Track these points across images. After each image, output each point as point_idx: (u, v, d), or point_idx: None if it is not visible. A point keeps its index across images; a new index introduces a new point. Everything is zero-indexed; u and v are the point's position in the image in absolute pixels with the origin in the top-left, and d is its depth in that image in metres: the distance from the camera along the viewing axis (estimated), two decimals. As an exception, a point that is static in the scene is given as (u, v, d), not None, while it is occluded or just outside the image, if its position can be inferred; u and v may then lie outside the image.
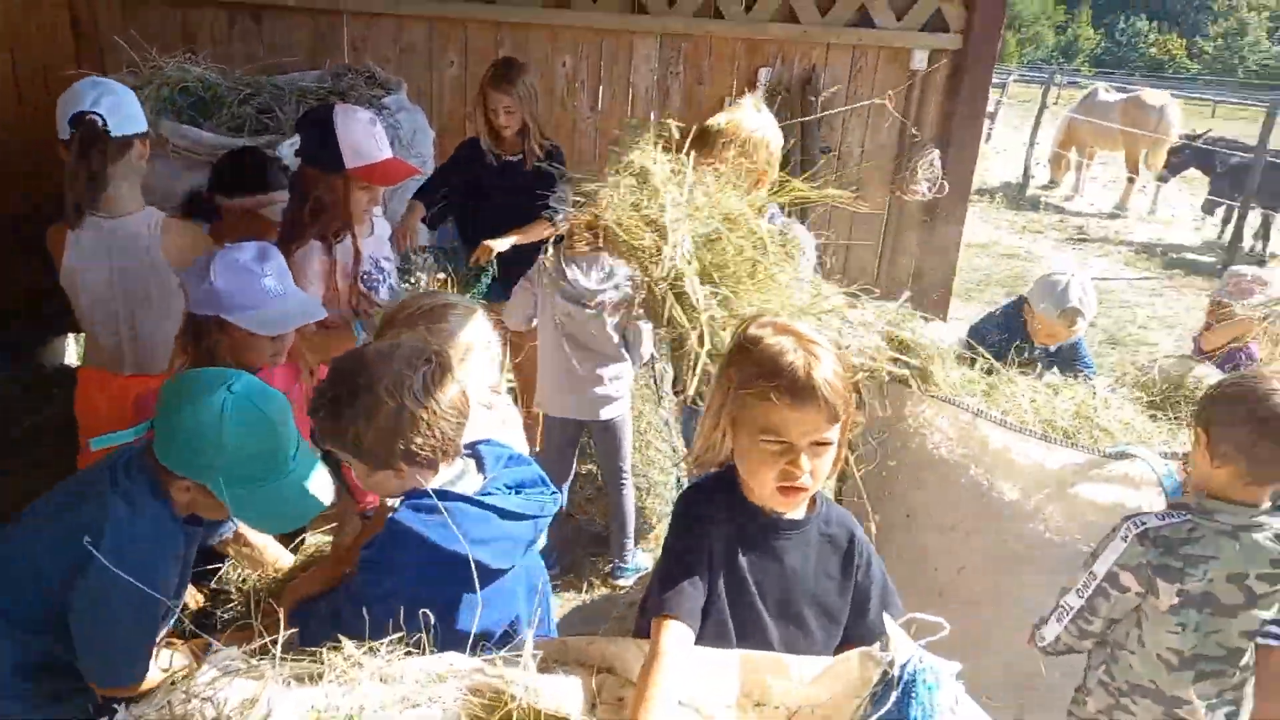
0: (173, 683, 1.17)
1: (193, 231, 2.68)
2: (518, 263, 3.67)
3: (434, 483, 1.63)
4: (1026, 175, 14.29)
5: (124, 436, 1.77)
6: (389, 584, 1.55)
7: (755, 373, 1.51)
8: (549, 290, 3.38)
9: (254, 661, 1.22)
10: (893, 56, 5.07)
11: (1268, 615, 1.93)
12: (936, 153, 5.16)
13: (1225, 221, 11.27)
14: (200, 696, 1.12)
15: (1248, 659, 1.97)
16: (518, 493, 1.69)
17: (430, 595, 1.47)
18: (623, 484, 3.65)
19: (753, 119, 3.00)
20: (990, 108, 18.96)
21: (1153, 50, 47.66)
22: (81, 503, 1.71)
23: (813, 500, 1.63)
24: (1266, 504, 1.94)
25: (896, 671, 1.07)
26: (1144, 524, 1.96)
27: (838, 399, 1.49)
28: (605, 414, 3.54)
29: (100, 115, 2.45)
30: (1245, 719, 2.02)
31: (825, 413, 1.48)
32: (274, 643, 1.26)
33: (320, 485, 1.79)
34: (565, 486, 3.70)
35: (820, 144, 5.17)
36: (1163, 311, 8.81)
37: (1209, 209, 11.56)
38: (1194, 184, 12.12)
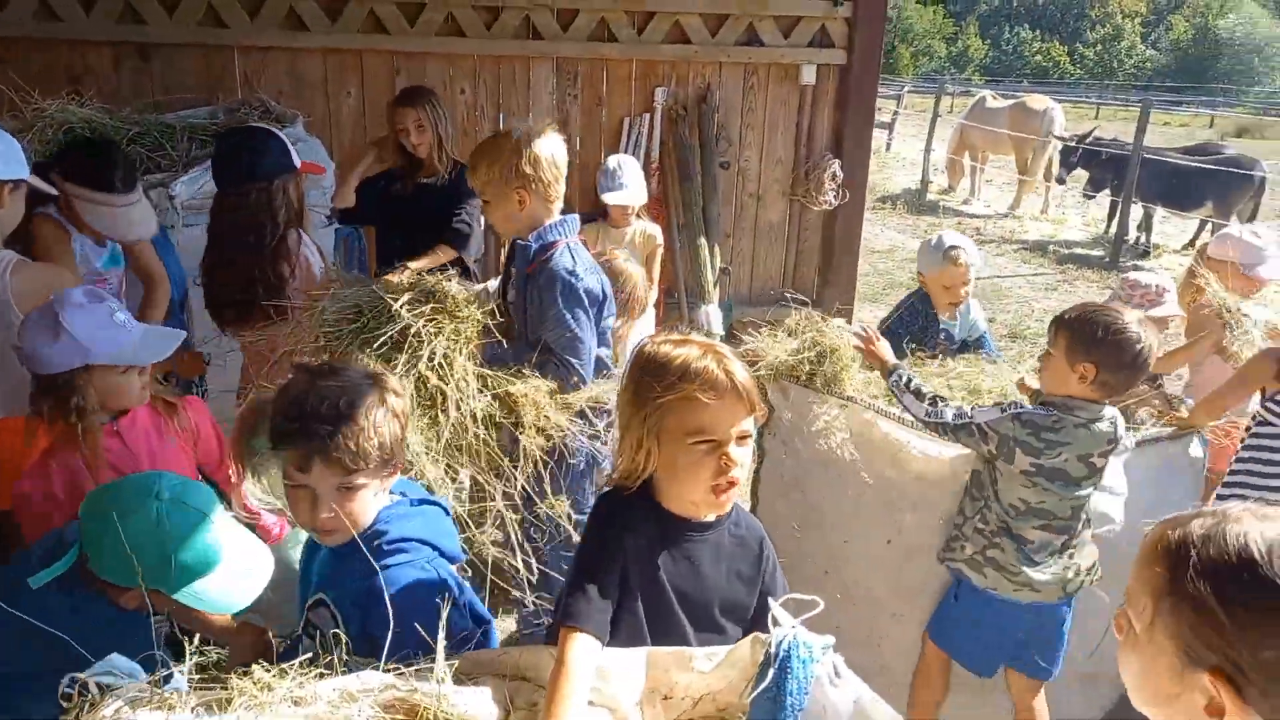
0: (77, 717, 1.17)
1: (48, 274, 2.53)
2: None
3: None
4: (924, 182, 14.81)
5: (59, 569, 1.67)
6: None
7: (674, 380, 1.58)
8: None
9: (160, 690, 1.22)
10: (783, 73, 5.25)
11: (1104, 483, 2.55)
12: (838, 162, 5.34)
13: (1110, 218, 11.86)
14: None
15: (1085, 518, 2.58)
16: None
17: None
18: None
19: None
20: (888, 118, 19.69)
21: (1037, 57, 49.89)
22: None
23: None
24: (1108, 403, 2.49)
25: (773, 649, 1.14)
26: (1021, 409, 2.51)
27: (753, 389, 1.59)
28: None
29: None
30: (1081, 562, 2.58)
31: (745, 403, 1.57)
32: (181, 671, 1.26)
33: (255, 553, 1.78)
34: None
35: (719, 159, 5.31)
36: (1057, 305, 9.22)
37: (1090, 195, 12.22)
38: (1084, 184, 12.74)
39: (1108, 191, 11.84)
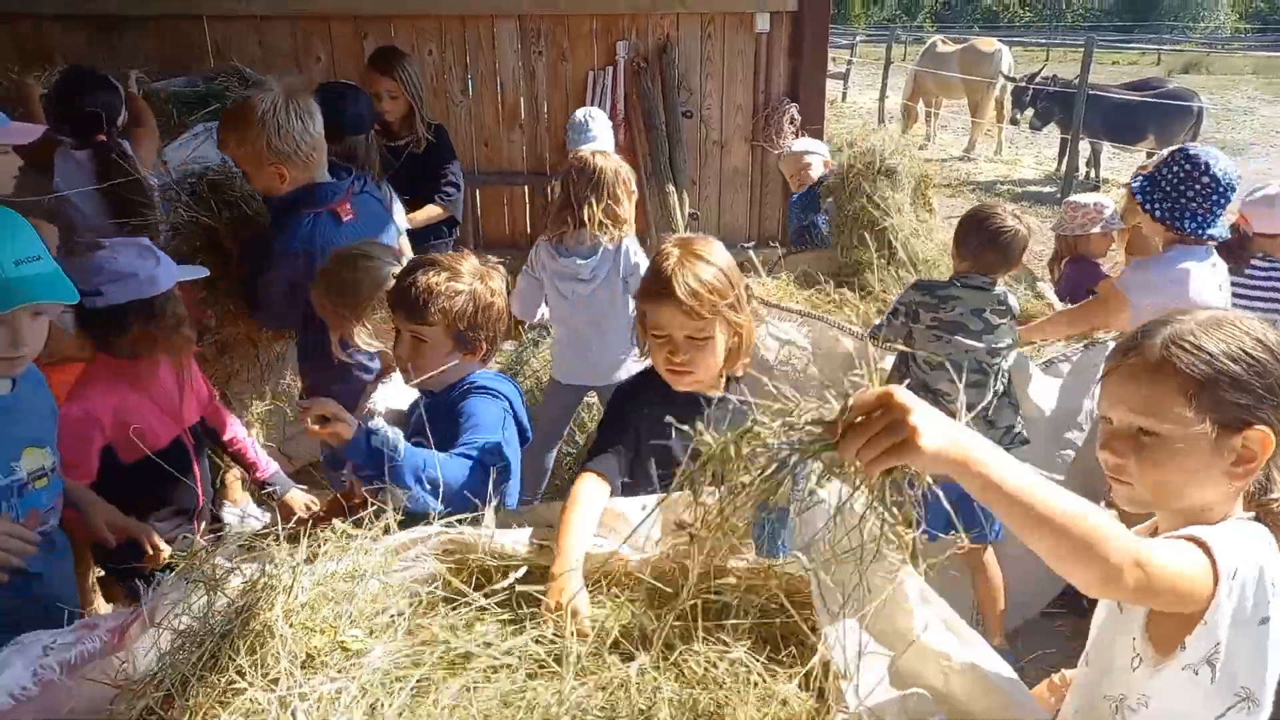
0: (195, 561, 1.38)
1: None
2: (418, 244, 3.84)
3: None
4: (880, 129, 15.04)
5: None
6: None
7: (646, 279, 1.91)
8: (548, 275, 3.42)
9: (266, 543, 1.43)
10: (738, 22, 5.43)
11: (1002, 343, 2.89)
12: (795, 106, 5.55)
13: (1060, 155, 12.19)
14: (222, 569, 1.34)
15: (998, 384, 2.93)
16: None
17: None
18: None
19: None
20: (841, 69, 19.86)
21: (987, 2, 50.08)
22: None
23: (728, 380, 1.98)
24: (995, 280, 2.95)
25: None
26: (916, 281, 3.08)
27: (696, 301, 1.81)
28: (616, 377, 3.45)
29: None
30: (998, 422, 2.95)
31: (683, 309, 1.82)
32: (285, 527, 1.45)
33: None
34: (554, 450, 3.73)
35: (682, 109, 5.50)
36: (1011, 241, 9.54)
37: (1036, 128, 12.55)
38: (1029, 121, 13.04)
39: (1057, 130, 12.15)
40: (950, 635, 1.41)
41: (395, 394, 2.44)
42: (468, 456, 1.87)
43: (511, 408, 2.09)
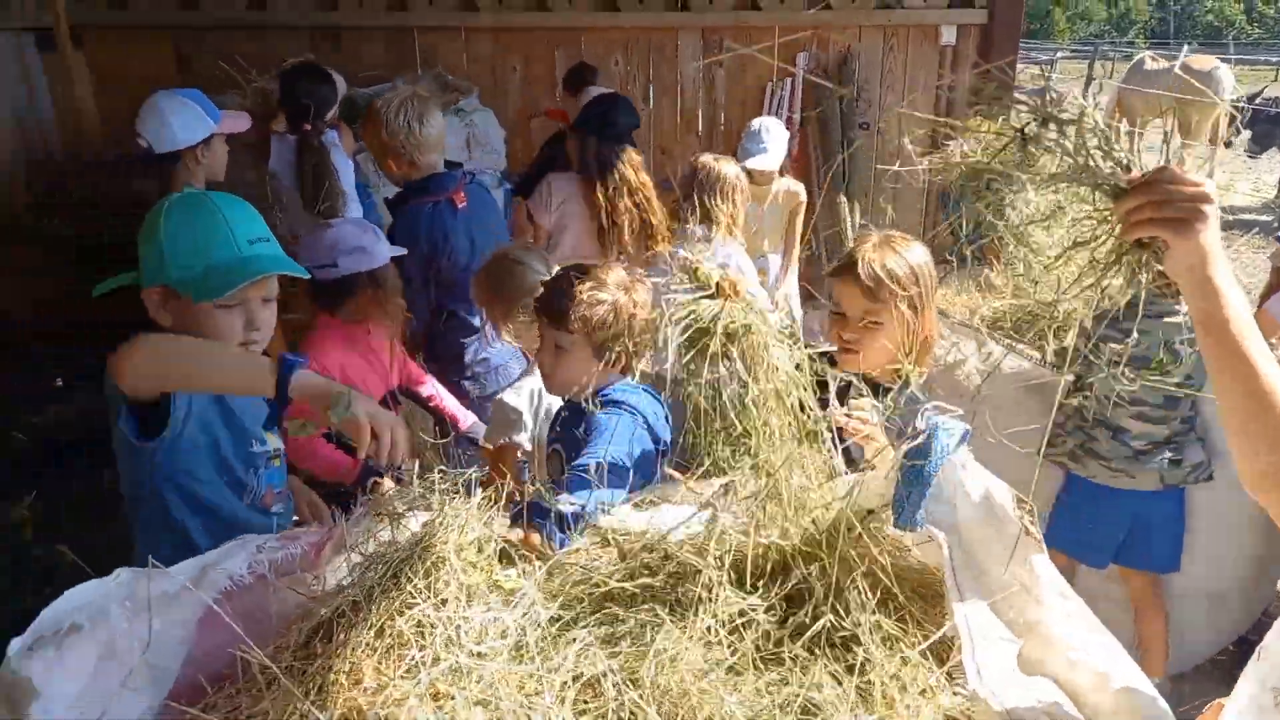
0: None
1: None
2: None
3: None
4: (1077, 149, 14.28)
5: (124, 278, 1.80)
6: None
7: (840, 256, 2.10)
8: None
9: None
10: (923, 34, 5.38)
11: (1190, 374, 2.64)
12: (975, 121, 5.43)
13: (1282, 181, 11.23)
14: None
15: (1186, 415, 2.77)
16: None
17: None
18: None
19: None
20: (1040, 86, 18.96)
21: (1209, 18, 46.46)
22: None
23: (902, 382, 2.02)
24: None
25: (922, 438, 1.43)
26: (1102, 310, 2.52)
27: (874, 283, 1.94)
28: None
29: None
30: (1185, 458, 2.75)
31: (861, 288, 1.93)
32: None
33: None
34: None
35: (859, 120, 5.50)
36: (1216, 270, 8.87)
37: (1254, 154, 11.62)
38: (1245, 145, 12.05)
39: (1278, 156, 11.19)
40: (1083, 632, 1.42)
41: (518, 394, 2.61)
42: (581, 477, 1.79)
43: (647, 423, 2.02)
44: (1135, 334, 2.55)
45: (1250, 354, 1.10)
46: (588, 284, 2.01)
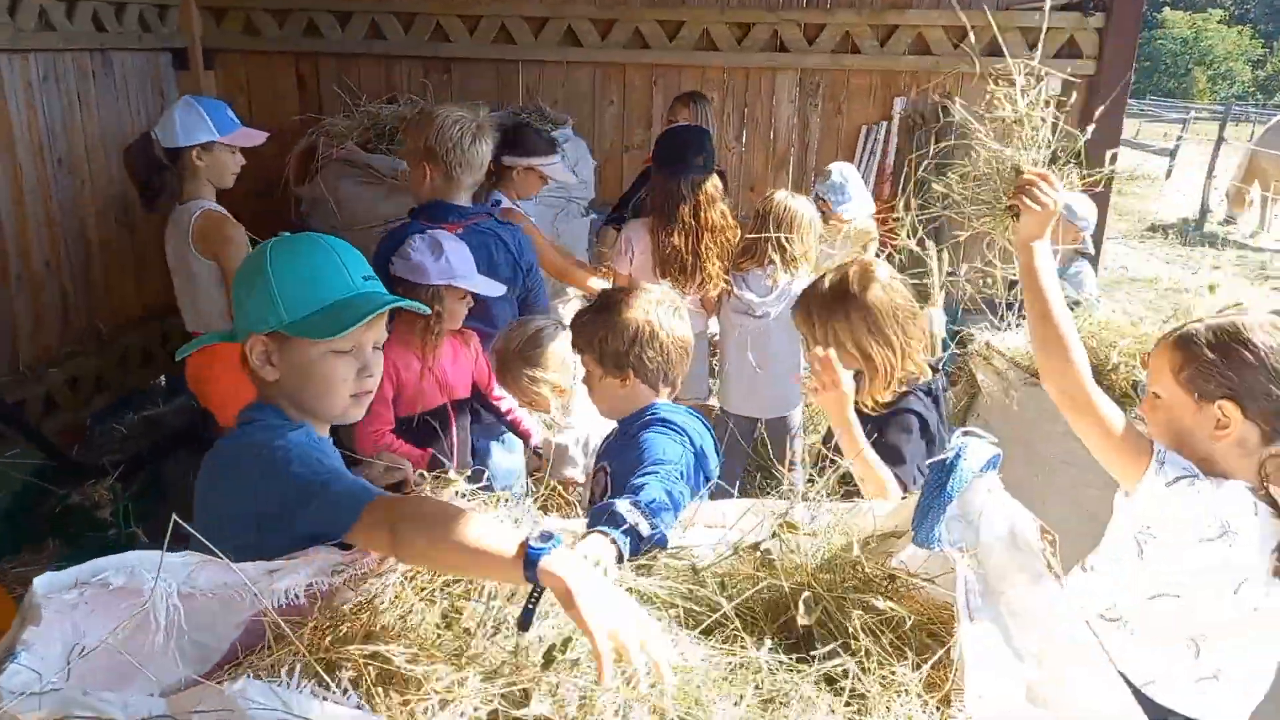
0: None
1: (223, 224, 3.14)
2: None
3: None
4: (1204, 210, 13.67)
5: (212, 337, 1.73)
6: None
7: None
8: (727, 306, 3.68)
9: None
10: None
11: None
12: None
13: None
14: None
15: None
16: None
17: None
18: (793, 467, 3.89)
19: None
20: (1171, 144, 18.22)
21: (1367, 82, 43.82)
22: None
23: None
24: None
25: (949, 455, 1.41)
26: None
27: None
28: (778, 412, 3.74)
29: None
30: None
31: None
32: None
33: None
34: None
35: (955, 168, 5.41)
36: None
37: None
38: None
39: None
40: (1091, 672, 1.37)
41: (566, 435, 2.79)
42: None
43: (693, 444, 2.03)
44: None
45: (1046, 292, 1.88)
46: (604, 310, 2.08)
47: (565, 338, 2.64)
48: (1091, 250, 4.10)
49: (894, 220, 5.41)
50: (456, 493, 1.61)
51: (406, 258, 2.67)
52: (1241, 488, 1.68)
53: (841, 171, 4.35)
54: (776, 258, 3.47)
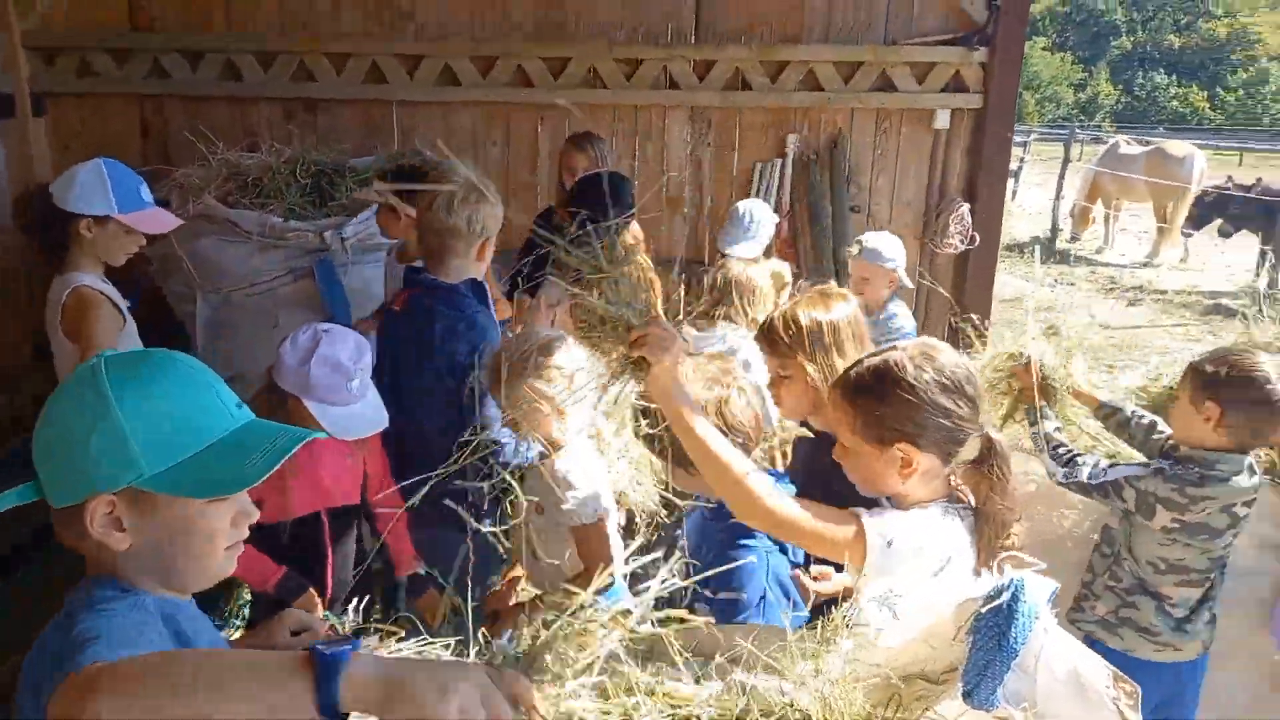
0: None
1: (91, 306, 2.73)
2: None
3: None
4: (1055, 229, 14.39)
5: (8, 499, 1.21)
6: None
7: None
8: None
9: None
10: (916, 117, 5.28)
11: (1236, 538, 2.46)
12: (965, 206, 5.31)
13: (1259, 266, 11.29)
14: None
15: (1223, 566, 2.50)
16: None
17: None
18: None
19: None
20: (1013, 165, 19.24)
21: (1174, 103, 47.94)
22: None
23: None
24: (1248, 456, 2.40)
25: (1001, 589, 1.18)
26: (1163, 466, 2.40)
27: (770, 340, 2.24)
28: None
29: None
30: (1219, 612, 2.53)
31: (764, 347, 2.30)
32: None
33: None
34: None
35: (850, 203, 5.35)
36: (1200, 355, 8.80)
37: (1226, 234, 11.71)
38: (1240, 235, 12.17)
39: (1256, 241, 11.28)
40: None
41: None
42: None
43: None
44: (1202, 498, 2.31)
45: (705, 441, 1.70)
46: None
47: (571, 349, 2.32)
48: (909, 285, 4.08)
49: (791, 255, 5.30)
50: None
51: (290, 343, 2.28)
52: (937, 513, 1.68)
53: (751, 209, 4.20)
54: (738, 321, 3.39)
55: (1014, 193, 18.52)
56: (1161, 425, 2.66)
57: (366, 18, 5.12)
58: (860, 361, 1.74)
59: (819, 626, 1.34)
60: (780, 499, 1.68)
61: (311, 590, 2.29)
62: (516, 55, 5.10)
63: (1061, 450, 2.60)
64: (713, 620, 1.46)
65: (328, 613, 2.14)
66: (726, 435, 1.84)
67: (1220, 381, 2.30)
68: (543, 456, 2.32)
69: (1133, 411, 2.76)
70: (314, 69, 5.07)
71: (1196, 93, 49.01)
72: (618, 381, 1.78)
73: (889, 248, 3.83)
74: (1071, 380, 3.06)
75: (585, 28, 5.13)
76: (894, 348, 1.70)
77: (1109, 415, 2.80)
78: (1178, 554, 2.42)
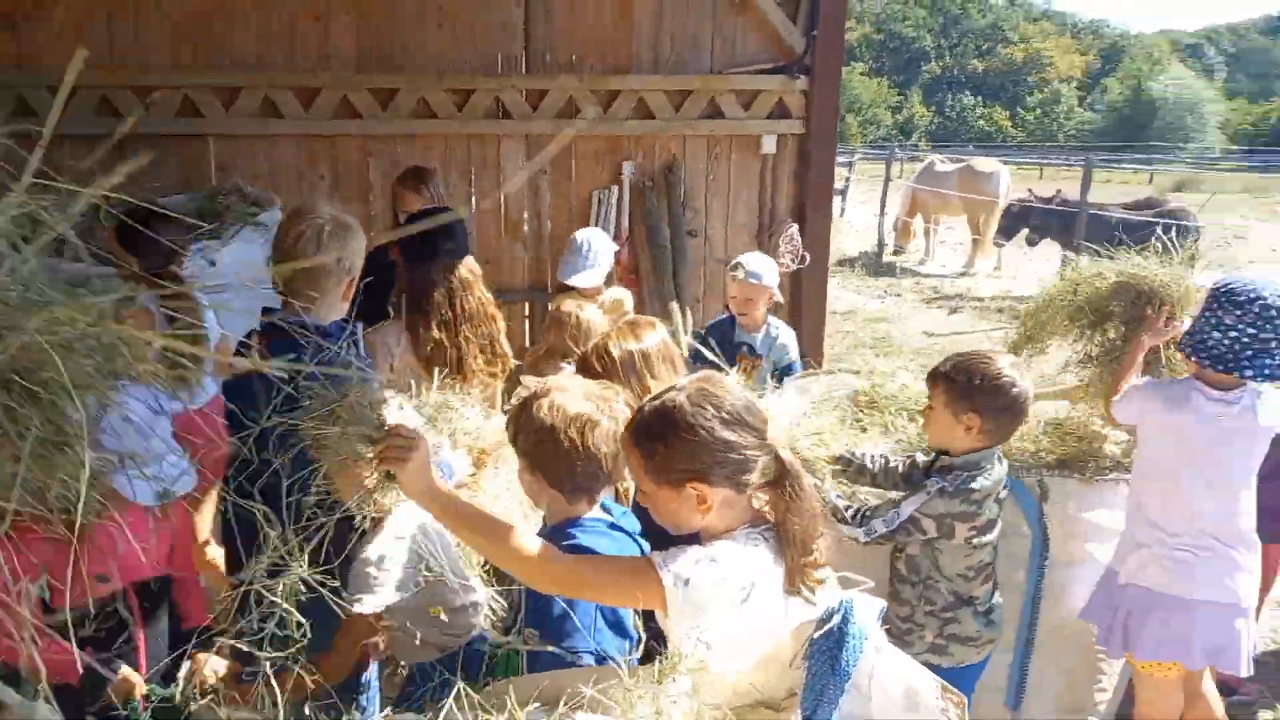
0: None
1: None
2: None
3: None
4: (880, 244, 15.19)
5: None
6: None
7: None
8: None
9: None
10: (745, 143, 5.45)
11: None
12: (795, 227, 5.52)
13: (1062, 272, 12.25)
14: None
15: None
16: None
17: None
18: None
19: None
20: (840, 185, 20.24)
21: (980, 122, 51.71)
22: None
23: None
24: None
25: (832, 613, 1.20)
26: (941, 484, 2.47)
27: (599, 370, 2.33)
28: None
29: None
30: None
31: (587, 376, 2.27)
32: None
33: None
34: None
35: (686, 228, 5.47)
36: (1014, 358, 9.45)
37: (1033, 243, 12.70)
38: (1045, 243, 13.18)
39: (1058, 248, 12.24)
40: None
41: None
42: None
43: None
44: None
45: (464, 522, 1.73)
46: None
47: (402, 409, 2.14)
48: (782, 301, 4.28)
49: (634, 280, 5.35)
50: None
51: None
52: (738, 542, 1.66)
53: (589, 238, 4.20)
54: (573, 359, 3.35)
55: (842, 210, 19.49)
56: (894, 457, 2.78)
57: (176, 48, 4.85)
58: (642, 407, 1.74)
59: (655, 666, 1.33)
60: (563, 561, 1.69)
61: (125, 671, 2.10)
62: (342, 86, 4.95)
63: (851, 512, 2.60)
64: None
65: (152, 685, 1.98)
66: (580, 458, 1.86)
67: (975, 390, 2.41)
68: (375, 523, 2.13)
69: (861, 454, 2.84)
70: (118, 104, 4.75)
71: (1000, 112, 53.07)
72: (379, 492, 1.75)
73: (768, 270, 3.98)
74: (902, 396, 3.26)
75: (414, 58, 5.04)
76: (673, 388, 1.70)
77: (843, 470, 2.84)
78: (978, 557, 2.53)
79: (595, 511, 1.95)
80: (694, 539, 1.70)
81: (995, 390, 2.40)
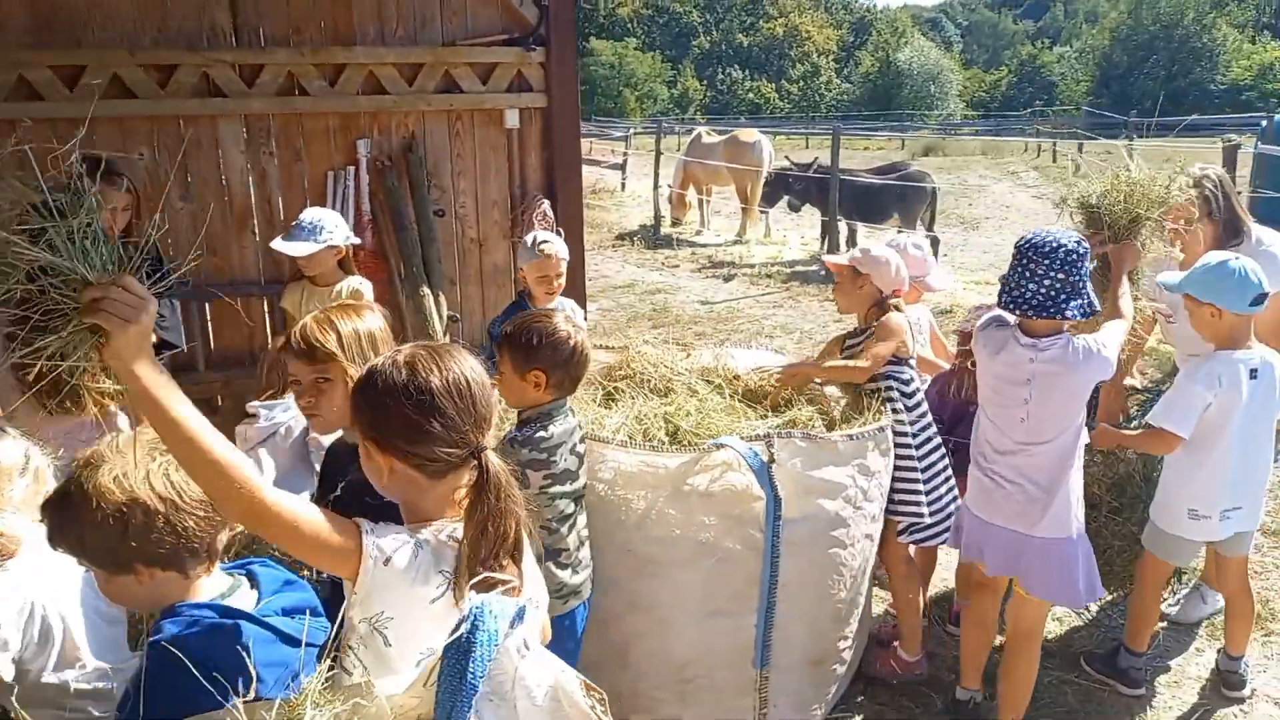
0: None
1: None
2: None
3: (202, 595, 1.52)
4: (657, 217, 15.45)
5: None
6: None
7: None
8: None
9: None
10: (487, 118, 5.27)
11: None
12: (546, 202, 5.41)
13: (823, 237, 12.91)
14: None
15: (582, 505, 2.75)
16: (292, 618, 1.58)
17: None
18: None
19: None
20: (619, 160, 20.41)
21: (749, 95, 53.84)
22: None
23: None
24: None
25: (466, 610, 1.10)
26: (514, 435, 2.57)
27: (308, 349, 2.20)
28: None
29: None
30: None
31: (297, 356, 2.22)
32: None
33: None
34: None
35: (434, 207, 5.23)
36: (783, 320, 9.88)
37: (795, 208, 13.40)
38: (808, 208, 13.80)
39: (819, 213, 12.88)
40: None
41: None
42: None
43: None
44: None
45: (170, 410, 1.35)
46: None
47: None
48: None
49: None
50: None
51: None
52: (441, 535, 1.54)
53: (317, 215, 3.96)
54: None
55: (624, 184, 19.68)
56: None
57: None
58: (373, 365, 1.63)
59: (288, 701, 1.18)
60: (275, 493, 1.41)
61: None
62: (15, 65, 4.34)
63: None
64: None
65: None
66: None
67: (535, 349, 2.54)
68: None
69: None
70: None
71: (766, 85, 55.50)
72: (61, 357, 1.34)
73: (561, 243, 3.96)
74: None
75: (98, 31, 4.49)
76: (399, 351, 1.60)
77: None
78: (559, 508, 2.61)
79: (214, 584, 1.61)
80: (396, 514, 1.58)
81: (555, 346, 2.53)
